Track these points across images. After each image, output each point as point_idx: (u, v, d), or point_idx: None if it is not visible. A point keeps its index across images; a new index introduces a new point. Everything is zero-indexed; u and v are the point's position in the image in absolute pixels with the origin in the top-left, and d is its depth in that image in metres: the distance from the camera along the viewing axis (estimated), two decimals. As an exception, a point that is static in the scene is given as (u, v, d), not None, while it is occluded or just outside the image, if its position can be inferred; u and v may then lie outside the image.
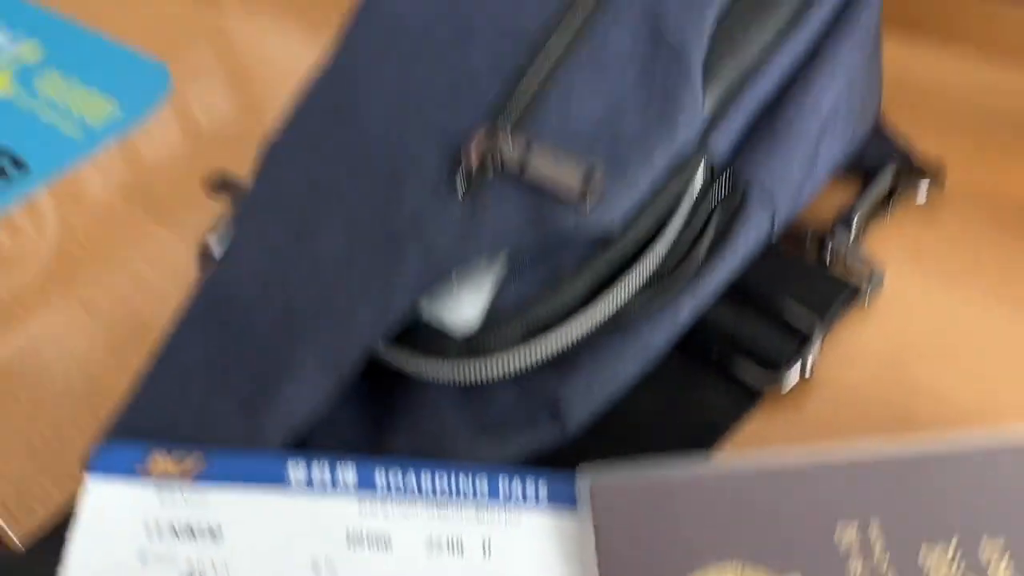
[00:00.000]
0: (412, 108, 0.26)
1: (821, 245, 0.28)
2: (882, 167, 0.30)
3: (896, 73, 0.33)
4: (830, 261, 0.28)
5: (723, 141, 0.25)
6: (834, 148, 0.27)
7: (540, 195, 0.23)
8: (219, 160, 0.36)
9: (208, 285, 0.26)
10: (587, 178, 0.22)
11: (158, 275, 0.33)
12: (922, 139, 0.31)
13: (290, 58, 0.41)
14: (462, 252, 0.23)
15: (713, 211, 0.24)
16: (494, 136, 0.23)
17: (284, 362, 0.23)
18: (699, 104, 0.24)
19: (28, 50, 0.45)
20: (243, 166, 0.34)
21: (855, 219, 0.28)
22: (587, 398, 0.23)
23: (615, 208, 0.23)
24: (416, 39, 0.27)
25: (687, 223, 0.24)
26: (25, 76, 0.43)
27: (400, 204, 0.24)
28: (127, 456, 0.21)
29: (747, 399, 0.26)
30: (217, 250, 0.28)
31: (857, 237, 0.29)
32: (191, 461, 0.21)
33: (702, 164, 0.24)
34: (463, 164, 0.24)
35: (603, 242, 0.23)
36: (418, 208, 0.23)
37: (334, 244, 0.24)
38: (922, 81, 0.35)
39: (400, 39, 0.28)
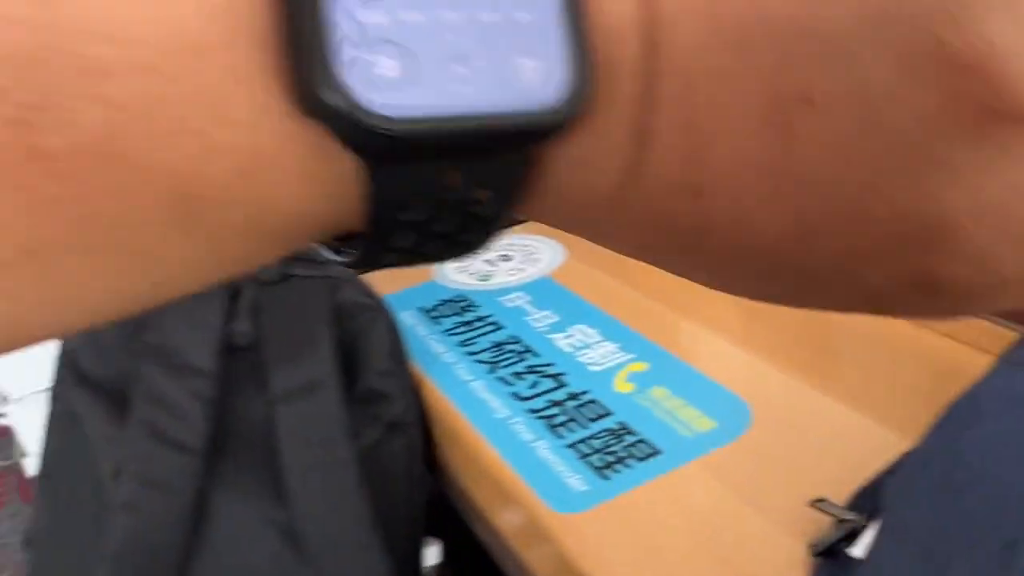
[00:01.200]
0: (1016, 497, 0.41)
1: None
2: None
3: None
4: None
5: None
6: None
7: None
8: (799, 474, 0.54)
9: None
10: None
11: (762, 552, 0.50)
12: None
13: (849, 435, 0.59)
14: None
15: None
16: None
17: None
18: None
19: (638, 365, 0.68)
20: (821, 488, 0.51)
21: None
22: None
23: None
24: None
25: None
26: (640, 382, 0.66)
27: (1014, 565, 0.39)
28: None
29: None
30: (854, 551, 0.44)
31: None
32: None
33: None
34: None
35: None
36: (1029, 572, 0.38)
37: (961, 578, 0.40)
38: None
39: (1007, 438, 0.44)
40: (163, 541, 0.59)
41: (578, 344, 0.71)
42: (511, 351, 0.71)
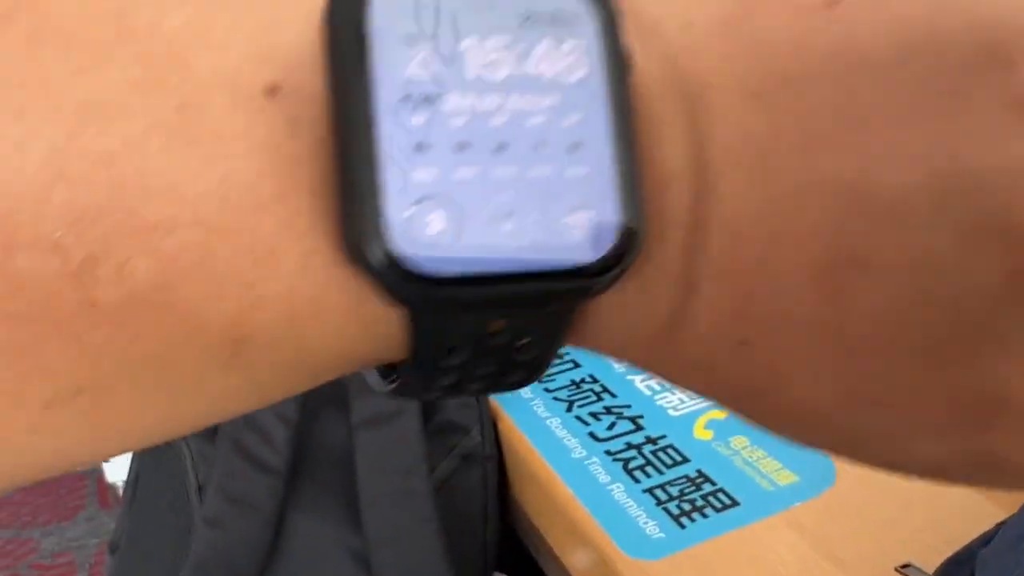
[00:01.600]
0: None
1: None
2: None
3: None
4: None
5: None
6: None
7: None
8: (885, 537, 0.53)
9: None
10: None
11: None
12: None
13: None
14: None
15: None
16: None
17: None
18: None
19: (717, 412, 0.67)
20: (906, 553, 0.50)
21: None
22: None
23: None
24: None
25: None
26: (719, 430, 0.65)
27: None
28: None
29: None
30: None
31: None
32: None
33: None
34: None
35: None
36: None
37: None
38: None
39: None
40: (242, 557, 0.60)
41: (656, 387, 0.71)
42: (589, 390, 0.71)
